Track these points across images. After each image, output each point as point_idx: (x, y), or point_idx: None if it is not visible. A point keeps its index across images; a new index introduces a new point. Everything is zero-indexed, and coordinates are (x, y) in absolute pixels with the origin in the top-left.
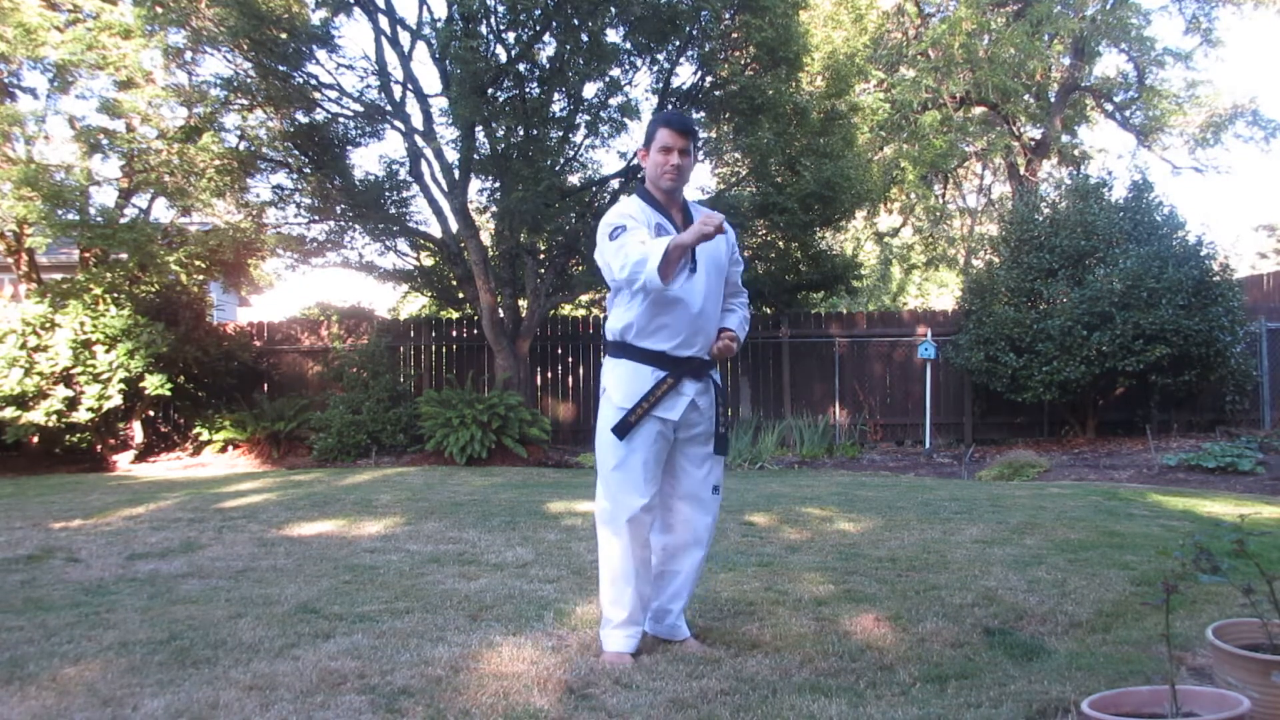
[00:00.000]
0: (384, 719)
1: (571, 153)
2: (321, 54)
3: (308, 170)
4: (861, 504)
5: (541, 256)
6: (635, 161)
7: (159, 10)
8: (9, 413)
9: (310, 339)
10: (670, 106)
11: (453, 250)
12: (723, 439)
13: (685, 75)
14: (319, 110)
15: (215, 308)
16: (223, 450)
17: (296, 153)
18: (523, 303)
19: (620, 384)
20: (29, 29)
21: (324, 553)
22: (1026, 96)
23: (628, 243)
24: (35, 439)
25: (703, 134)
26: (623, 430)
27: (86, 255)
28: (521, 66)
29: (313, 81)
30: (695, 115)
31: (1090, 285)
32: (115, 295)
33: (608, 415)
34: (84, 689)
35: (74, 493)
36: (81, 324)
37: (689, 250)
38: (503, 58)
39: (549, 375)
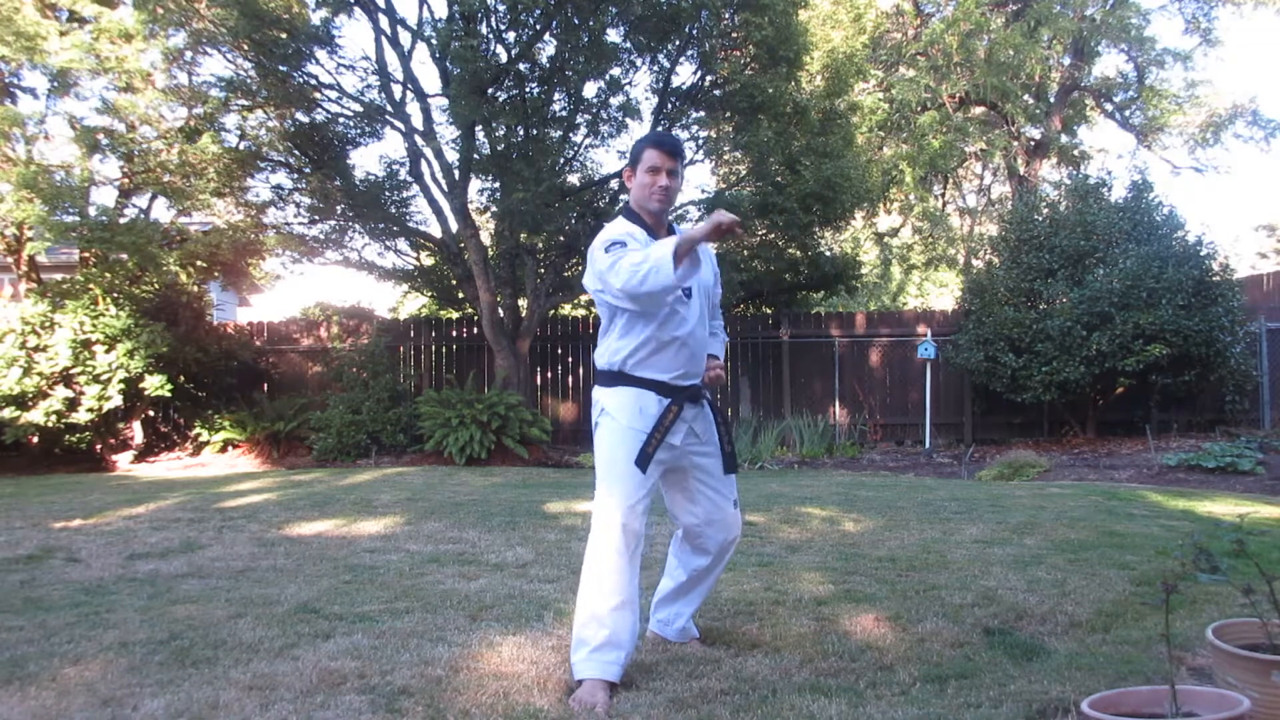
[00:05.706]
0: (384, 719)
1: (571, 153)
2: (321, 54)
3: (308, 170)
4: (861, 504)
5: (541, 256)
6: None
7: (159, 12)
8: (9, 413)
9: (310, 339)
10: (671, 106)
11: (453, 250)
12: (730, 457)
13: (685, 74)
14: (319, 110)
15: (215, 308)
16: (223, 450)
17: (296, 153)
18: (522, 302)
19: (624, 407)
20: (28, 36)
21: (324, 553)
22: (1026, 96)
23: (626, 255)
24: (35, 439)
25: (702, 133)
26: (644, 462)
27: (86, 255)
28: (522, 66)
29: (313, 81)
30: (695, 114)
31: (1090, 285)
32: (115, 295)
33: (614, 436)
34: (84, 689)
35: (74, 493)
36: (81, 324)
37: (695, 249)
38: (503, 57)
39: (549, 375)
